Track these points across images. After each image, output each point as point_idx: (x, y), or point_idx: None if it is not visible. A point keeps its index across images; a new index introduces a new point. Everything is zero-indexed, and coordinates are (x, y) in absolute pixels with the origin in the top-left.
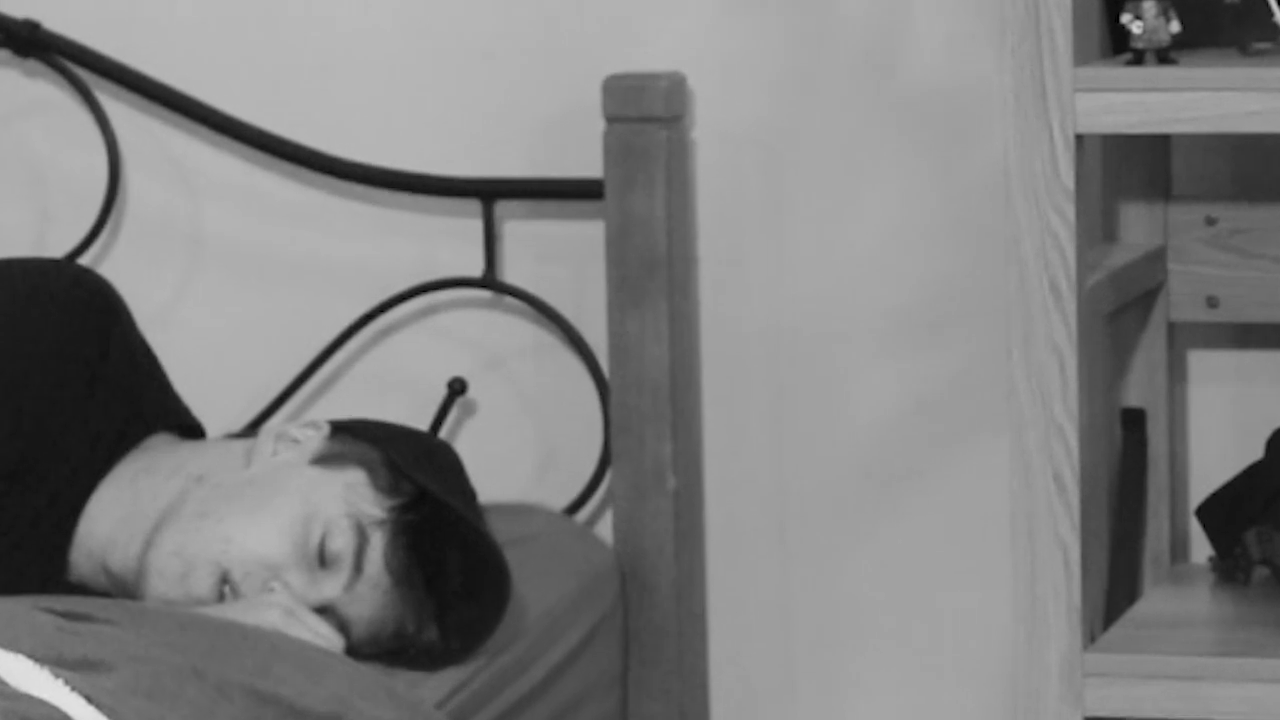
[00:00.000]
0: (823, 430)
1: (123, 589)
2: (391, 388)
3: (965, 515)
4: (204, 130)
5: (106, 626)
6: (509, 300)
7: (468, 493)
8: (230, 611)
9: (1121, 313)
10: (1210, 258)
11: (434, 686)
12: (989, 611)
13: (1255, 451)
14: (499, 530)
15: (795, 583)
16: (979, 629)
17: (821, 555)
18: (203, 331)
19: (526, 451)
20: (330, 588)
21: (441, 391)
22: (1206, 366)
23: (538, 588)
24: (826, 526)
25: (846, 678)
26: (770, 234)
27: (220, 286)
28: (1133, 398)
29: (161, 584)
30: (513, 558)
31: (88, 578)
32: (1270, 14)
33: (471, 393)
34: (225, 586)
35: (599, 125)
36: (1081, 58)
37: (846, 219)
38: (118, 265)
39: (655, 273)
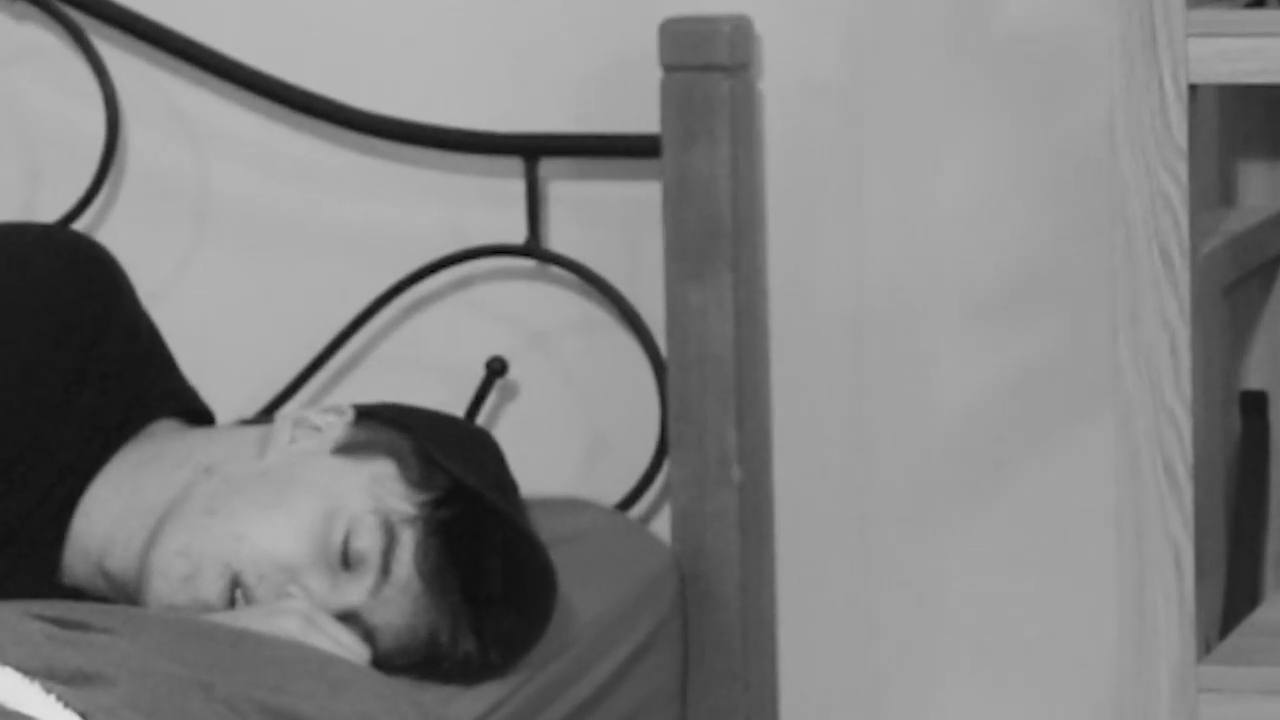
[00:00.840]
0: (905, 415)
1: (122, 593)
2: (423, 369)
3: (1065, 511)
4: (213, 80)
5: (104, 635)
6: (554, 270)
7: (509, 486)
8: (242, 619)
9: (1240, 284)
10: None
11: (470, 703)
12: (1092, 619)
13: None
14: (543, 528)
15: (876, 586)
16: (1081, 639)
17: (905, 556)
18: (212, 306)
19: (574, 439)
20: (354, 592)
21: (479, 372)
22: None
23: (587, 592)
24: (910, 524)
25: (933, 692)
26: (846, 196)
27: (231, 256)
28: (1253, 379)
29: (165, 587)
30: (559, 558)
31: (83, 580)
32: None
33: (512, 374)
34: (236, 591)
35: (655, 74)
36: None
37: (931, 179)
38: (116, 231)
39: (718, 239)
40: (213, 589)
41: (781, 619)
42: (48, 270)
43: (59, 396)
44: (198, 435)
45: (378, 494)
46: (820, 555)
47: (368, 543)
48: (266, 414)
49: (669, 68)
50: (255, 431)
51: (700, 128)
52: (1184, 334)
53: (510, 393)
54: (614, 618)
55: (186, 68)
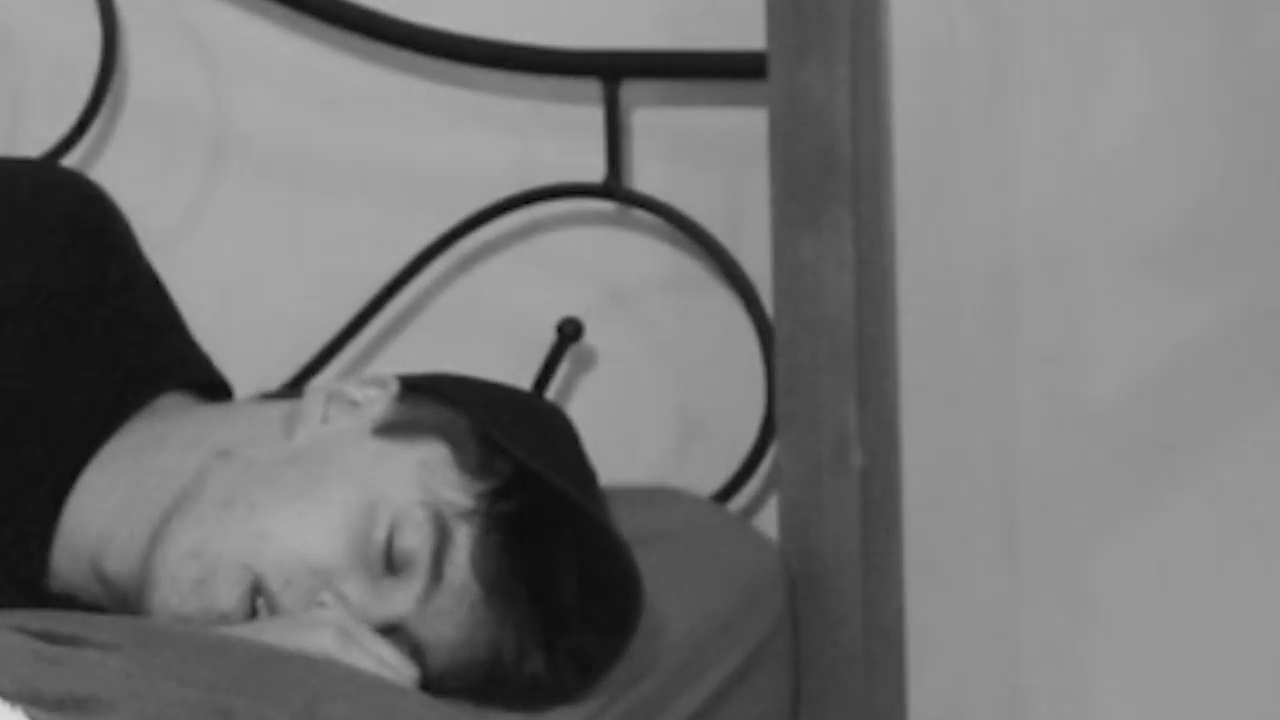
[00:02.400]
0: (1059, 389)
1: (121, 601)
2: (482, 332)
3: (1245, 503)
4: None
5: (100, 652)
6: (639, 215)
7: (585, 474)
8: (266, 632)
9: None
10: None
11: None
12: (1277, 627)
13: None
14: (626, 523)
15: (1024, 591)
16: (1263, 649)
17: (1058, 556)
18: (229, 258)
19: (663, 417)
20: (400, 601)
21: (549, 337)
22: None
23: (678, 601)
24: (1065, 518)
25: (1090, 713)
26: (989, 124)
27: (252, 198)
28: None
29: (173, 595)
30: (645, 560)
31: (75, 586)
32: None
33: (589, 338)
34: (258, 599)
35: None
36: None
37: (1090, 107)
38: (114, 168)
39: (835, 177)
40: (230, 596)
41: (911, 631)
42: (32, 215)
43: (45, 367)
44: (212, 412)
45: (428, 483)
46: (957, 556)
47: (416, 541)
48: (294, 387)
49: None
50: (281, 408)
51: (814, 42)
52: None
53: (586, 361)
54: (711, 631)
55: None
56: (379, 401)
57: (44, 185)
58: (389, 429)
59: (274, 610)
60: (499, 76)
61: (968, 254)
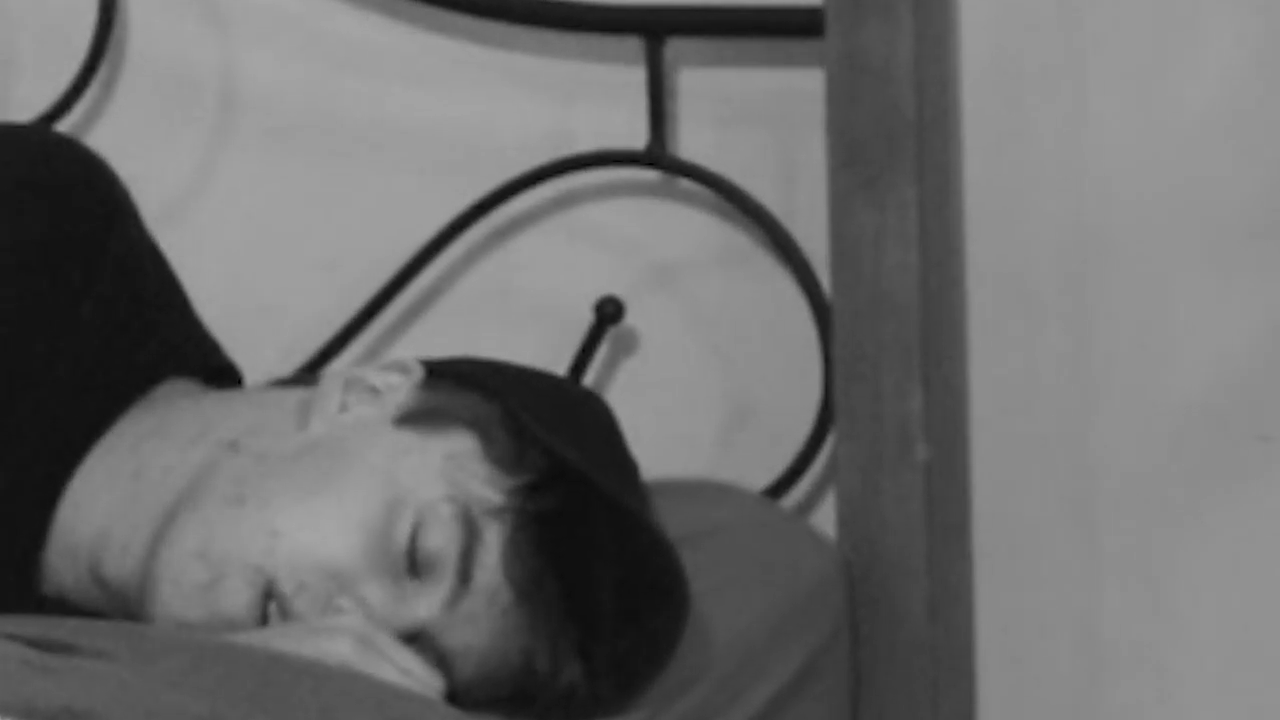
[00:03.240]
0: (1140, 376)
1: (121, 605)
2: (514, 313)
3: None
4: None
5: (97, 661)
6: (684, 185)
7: (626, 466)
8: (278, 640)
9: None
10: None
11: None
12: None
13: None
14: (671, 521)
15: (1104, 594)
16: None
17: (1141, 555)
18: (237, 232)
19: (711, 405)
20: (425, 606)
21: (587, 317)
22: None
23: (728, 604)
24: (1148, 515)
25: None
26: (1065, 87)
27: (262, 166)
28: None
29: (177, 598)
30: (691, 560)
31: (70, 589)
32: None
33: (630, 319)
34: (270, 603)
35: None
36: None
37: (1174, 67)
38: (113, 134)
39: (899, 144)
40: (239, 601)
41: (981, 637)
42: (20, 186)
43: (38, 351)
44: (219, 400)
45: (454, 477)
46: (1031, 556)
47: (442, 541)
48: (310, 372)
49: None
50: (295, 396)
51: None
52: None
53: (627, 344)
54: (762, 638)
55: None
56: (401, 388)
57: (36, 153)
58: (412, 418)
59: (287, 616)
60: (532, 35)
61: (1042, 227)
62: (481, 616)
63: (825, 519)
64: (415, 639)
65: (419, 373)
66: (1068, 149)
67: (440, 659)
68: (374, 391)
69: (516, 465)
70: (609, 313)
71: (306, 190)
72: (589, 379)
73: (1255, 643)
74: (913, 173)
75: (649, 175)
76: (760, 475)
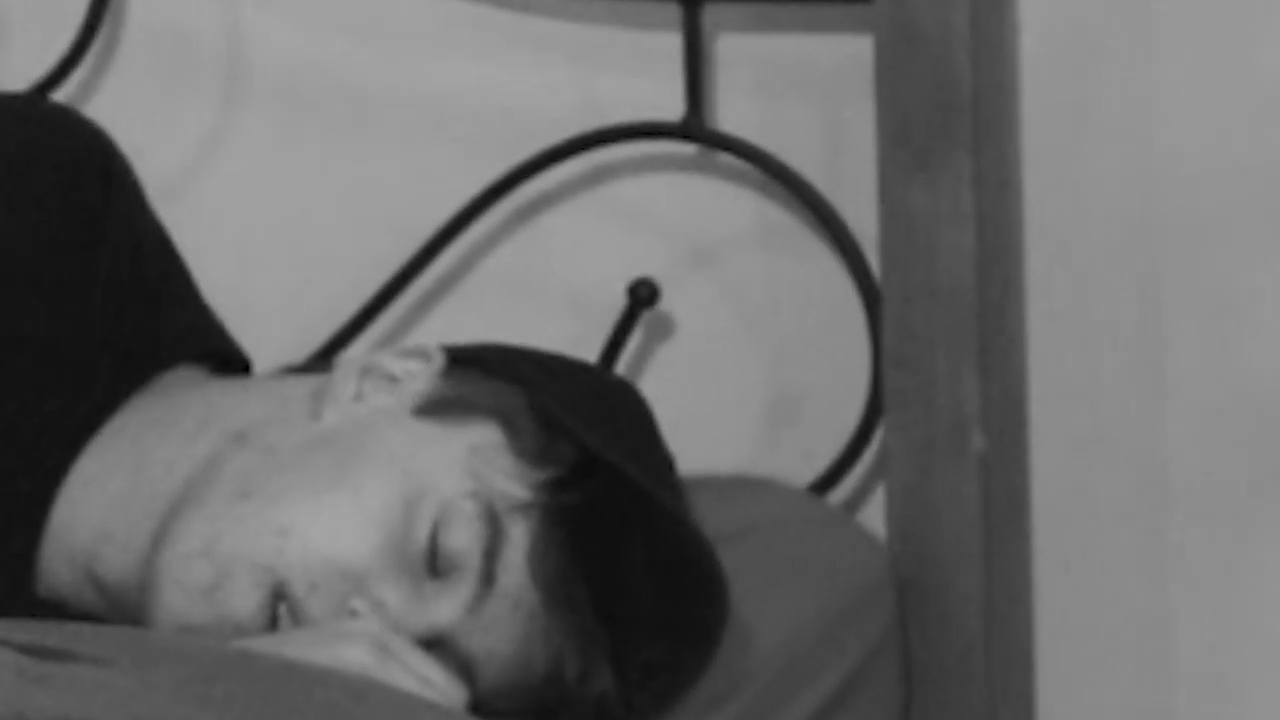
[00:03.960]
0: (1213, 363)
1: (120, 608)
2: (541, 295)
3: None
4: None
5: (95, 668)
6: (723, 159)
7: (661, 460)
8: (289, 645)
9: None
10: None
11: None
12: None
13: None
14: (709, 518)
15: (1175, 598)
16: None
17: (1215, 556)
18: (246, 209)
19: (752, 395)
20: (446, 609)
21: (619, 300)
22: None
23: (771, 607)
24: (1222, 512)
25: None
26: (1131, 56)
27: (273, 139)
28: None
29: (180, 601)
30: (731, 560)
31: (66, 591)
32: None
33: (665, 303)
34: (280, 606)
35: None
36: None
37: (1249, 34)
38: (113, 103)
39: (954, 116)
40: (247, 603)
41: (1041, 642)
42: (13, 159)
43: (31, 337)
44: (226, 389)
45: (478, 471)
46: (1096, 556)
47: (464, 539)
48: (323, 359)
49: None
50: (306, 384)
51: None
52: None
53: (662, 329)
54: (807, 644)
55: None
56: (421, 376)
57: (30, 124)
58: (433, 408)
59: (298, 620)
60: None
61: (1106, 206)
62: (506, 620)
63: (874, 515)
64: (435, 644)
65: (440, 359)
66: (1134, 122)
67: (462, 666)
68: (392, 379)
69: (544, 458)
70: (643, 296)
71: (319, 166)
72: (622, 366)
73: None
74: (968, 148)
75: (685, 149)
76: (805, 469)
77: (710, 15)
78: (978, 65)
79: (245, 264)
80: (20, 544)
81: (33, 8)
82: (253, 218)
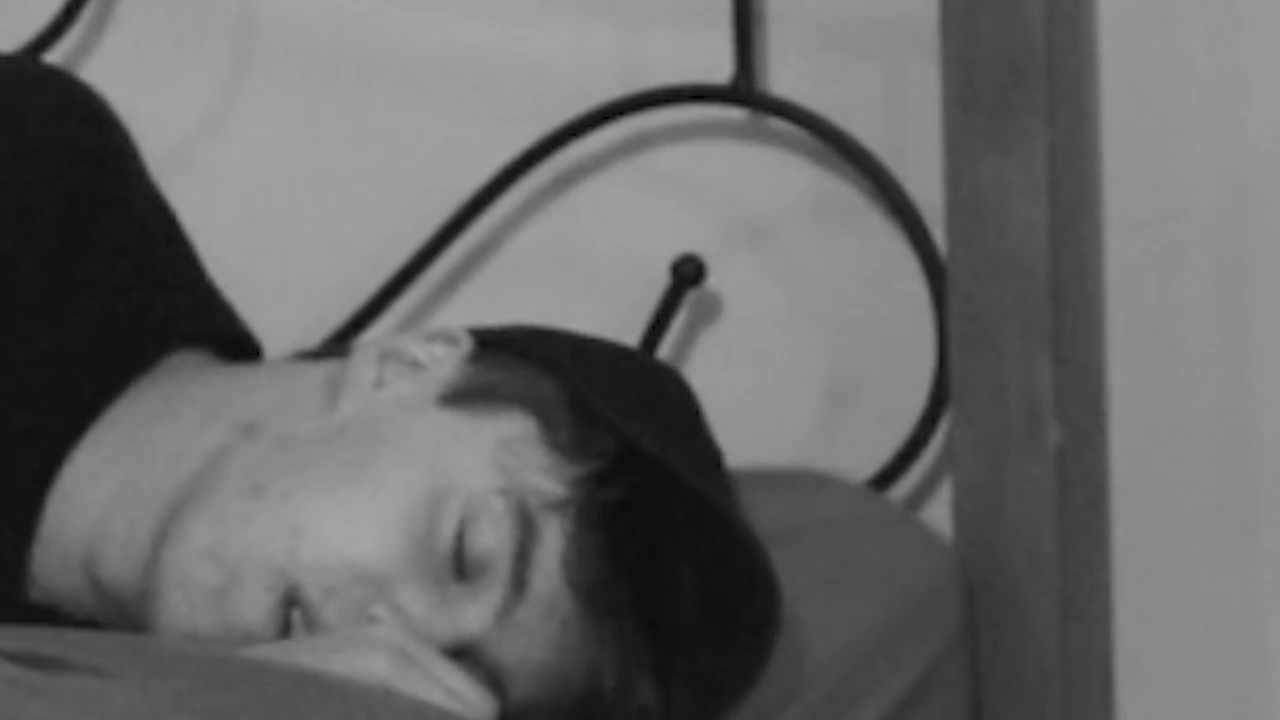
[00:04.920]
0: None
1: (120, 613)
2: (579, 273)
3: None
4: None
5: (94, 679)
6: (775, 125)
7: (708, 453)
8: (303, 654)
9: None
10: None
11: None
12: None
13: None
14: (761, 516)
15: (1264, 600)
16: None
17: None
18: (256, 180)
19: (806, 382)
20: (474, 615)
21: (662, 278)
22: None
23: (828, 613)
24: None
25: None
26: (1222, 11)
27: (286, 104)
28: None
29: (185, 606)
30: (784, 561)
31: (61, 595)
32: None
33: (713, 281)
34: (293, 611)
35: None
36: None
37: None
38: (111, 66)
39: (1026, 79)
40: (257, 609)
41: (1120, 651)
42: (7, 126)
43: (21, 319)
44: (235, 376)
45: (509, 465)
46: (1179, 556)
47: (493, 539)
48: (340, 343)
49: None
50: (322, 370)
51: None
52: None
53: (710, 310)
54: (868, 652)
55: None
56: (446, 362)
57: (19, 89)
58: (459, 397)
59: (313, 627)
60: None
61: (1192, 175)
62: (539, 628)
63: (939, 513)
64: (462, 654)
65: (467, 344)
66: (1225, 84)
67: (491, 677)
68: (415, 365)
69: (581, 451)
70: (688, 273)
71: (336, 134)
72: (665, 351)
73: None
74: (1042, 112)
75: (734, 114)
76: (864, 462)
77: None
78: (1052, 20)
79: (255, 240)
80: (11, 544)
81: None
82: (263, 190)
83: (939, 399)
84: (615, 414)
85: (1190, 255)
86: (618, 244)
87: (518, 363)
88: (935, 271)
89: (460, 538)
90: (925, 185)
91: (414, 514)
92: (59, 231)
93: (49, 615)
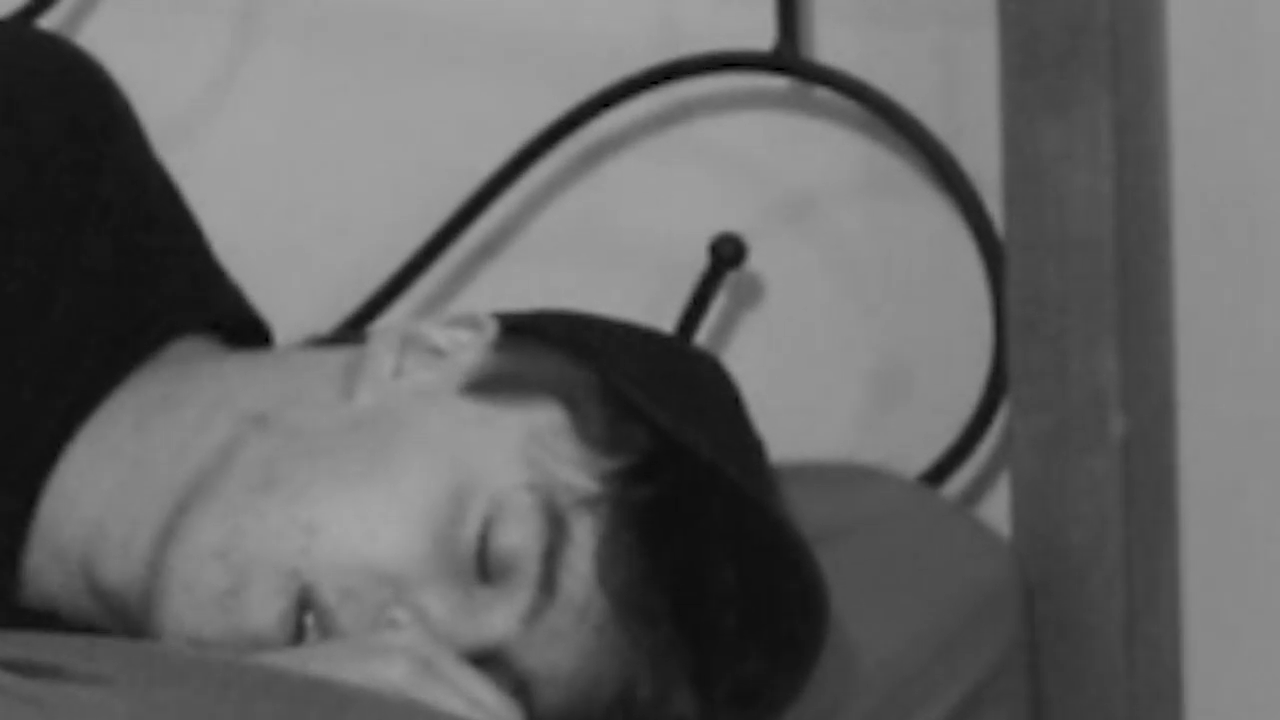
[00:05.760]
0: None
1: (120, 617)
2: (610, 253)
3: None
4: None
5: (91, 688)
6: (821, 94)
7: (749, 447)
8: (317, 661)
9: None
10: None
11: None
12: None
13: None
14: (807, 513)
15: None
16: None
17: None
18: (265, 153)
19: (854, 369)
20: (500, 619)
21: (700, 259)
22: None
23: (878, 618)
24: None
25: None
26: None
27: (296, 72)
28: None
29: (190, 609)
30: (832, 562)
31: (57, 598)
32: None
33: (754, 261)
34: (307, 615)
35: None
36: None
37: None
38: (109, 31)
39: (1090, 43)
40: (268, 613)
41: (1190, 658)
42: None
43: (14, 303)
44: (243, 363)
45: (537, 459)
46: (1252, 556)
47: (521, 538)
48: (355, 328)
49: None
50: (337, 358)
51: None
52: None
53: (751, 293)
54: (921, 660)
55: None
56: (470, 348)
57: (12, 56)
58: (484, 385)
59: (328, 632)
60: None
61: (1267, 146)
62: (570, 633)
63: (996, 510)
64: (487, 661)
65: (492, 329)
66: None
67: (518, 686)
68: (436, 352)
69: (613, 444)
70: (727, 254)
71: (351, 103)
72: (703, 336)
73: None
74: (1106, 81)
75: (777, 83)
76: (916, 456)
77: None
78: None
79: (263, 218)
80: (3, 544)
81: None
82: (271, 165)
83: (996, 388)
84: (650, 404)
85: (1266, 232)
86: (651, 223)
87: (546, 349)
88: (992, 251)
89: (485, 536)
90: (981, 158)
91: (436, 511)
92: (53, 208)
93: (44, 620)
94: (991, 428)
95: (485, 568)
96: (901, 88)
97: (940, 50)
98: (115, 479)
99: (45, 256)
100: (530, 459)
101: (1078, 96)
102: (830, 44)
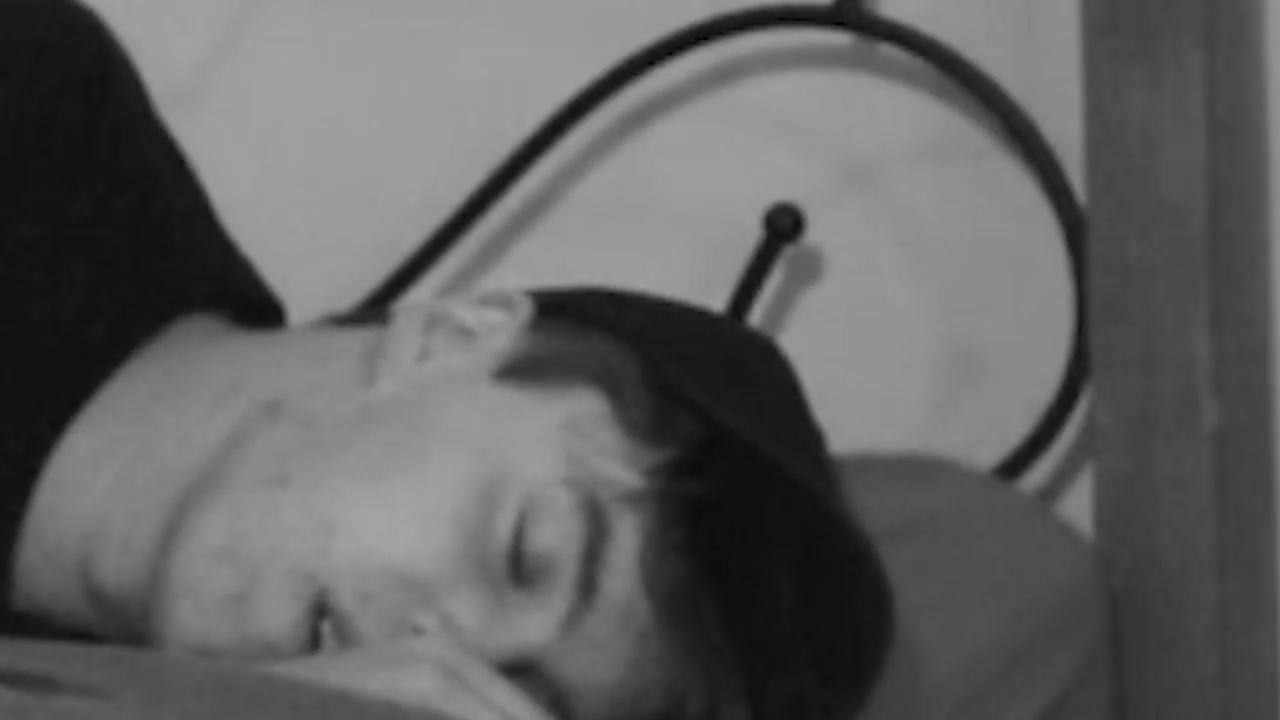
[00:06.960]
0: None
1: (118, 622)
2: (656, 225)
3: None
4: None
5: (88, 701)
6: (885, 52)
7: (808, 437)
8: (335, 671)
9: None
10: None
11: None
12: None
13: None
14: (871, 510)
15: None
16: None
17: None
18: (275, 117)
19: (923, 353)
20: (535, 626)
21: (754, 231)
22: None
23: (950, 623)
24: None
25: None
26: None
27: (311, 27)
28: None
29: (195, 614)
30: (899, 563)
31: (51, 601)
32: None
33: (812, 234)
34: (324, 621)
35: None
36: None
37: None
38: None
39: (1178, 2)
40: (282, 618)
41: None
42: None
43: (8, 279)
44: (255, 345)
45: (576, 451)
46: None
47: (557, 538)
48: (376, 307)
49: None
50: (357, 339)
51: None
52: None
53: (808, 268)
54: (995, 667)
55: None
56: (503, 329)
57: (11, 12)
58: (518, 370)
59: (347, 639)
60: None
61: None
62: (611, 641)
63: (1078, 506)
64: (521, 671)
65: (526, 308)
66: None
67: (554, 698)
68: (465, 333)
69: (659, 435)
70: (784, 226)
71: (371, 62)
72: (757, 316)
73: None
74: (1197, 38)
75: (838, 39)
76: (991, 447)
77: None
78: None
79: (276, 188)
80: None
81: None
82: (285, 128)
83: (1077, 373)
84: (699, 391)
85: None
86: (701, 192)
87: (585, 331)
88: (1073, 224)
89: (519, 536)
90: (1061, 121)
91: (465, 508)
92: (50, 174)
93: (36, 625)
94: (1072, 416)
95: (519, 570)
96: (974, 44)
97: (1017, 5)
98: (114, 471)
99: (39, 226)
100: (568, 451)
101: (1166, 54)
102: None
